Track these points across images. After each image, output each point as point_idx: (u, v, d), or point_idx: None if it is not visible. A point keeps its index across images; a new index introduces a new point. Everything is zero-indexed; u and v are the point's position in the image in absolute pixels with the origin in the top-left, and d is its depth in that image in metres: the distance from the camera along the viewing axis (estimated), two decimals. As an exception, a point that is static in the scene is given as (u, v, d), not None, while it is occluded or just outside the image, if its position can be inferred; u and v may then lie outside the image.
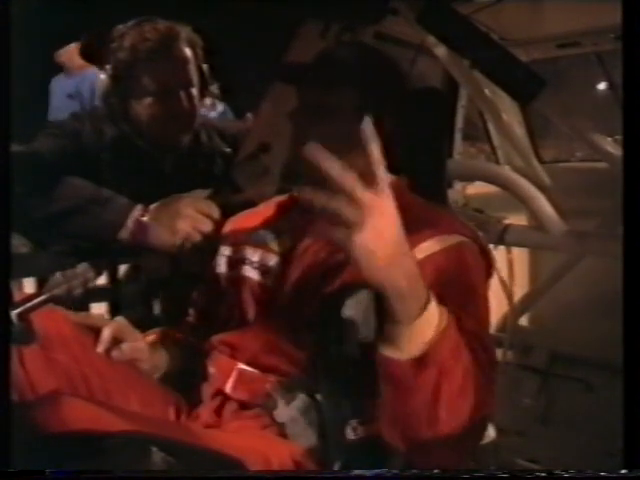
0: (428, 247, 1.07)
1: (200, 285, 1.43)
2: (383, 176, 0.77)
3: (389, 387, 0.91)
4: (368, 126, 0.76)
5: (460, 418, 0.89)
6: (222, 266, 1.29)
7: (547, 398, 2.18)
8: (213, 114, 1.85)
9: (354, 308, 1.04)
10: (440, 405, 0.88)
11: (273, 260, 1.21)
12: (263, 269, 1.21)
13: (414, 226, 1.10)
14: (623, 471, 0.88)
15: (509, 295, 1.94)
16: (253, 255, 1.24)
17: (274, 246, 1.22)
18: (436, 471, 0.93)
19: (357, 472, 0.96)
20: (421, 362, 0.86)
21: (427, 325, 0.85)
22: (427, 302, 0.85)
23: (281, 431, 1.10)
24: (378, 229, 0.77)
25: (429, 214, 1.18)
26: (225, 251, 1.31)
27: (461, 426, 0.90)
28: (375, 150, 0.76)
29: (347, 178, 0.75)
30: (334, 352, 1.06)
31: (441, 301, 0.99)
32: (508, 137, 2.29)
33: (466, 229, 1.16)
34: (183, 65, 1.62)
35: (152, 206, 1.40)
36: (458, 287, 1.06)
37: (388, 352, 0.87)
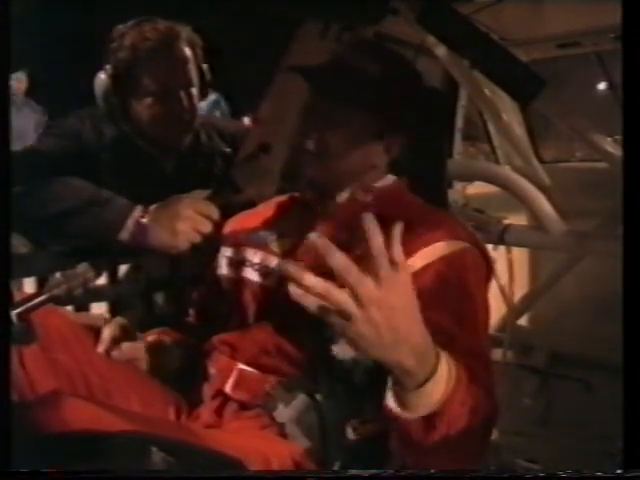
0: (428, 254, 1.07)
1: (200, 285, 1.43)
2: (387, 269, 0.77)
3: (398, 439, 0.93)
4: (370, 221, 0.77)
5: (466, 435, 0.91)
6: (223, 267, 1.29)
7: (547, 398, 2.18)
8: (203, 104, 1.84)
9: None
10: (449, 446, 0.90)
11: (274, 262, 1.21)
12: (264, 271, 1.21)
13: (415, 229, 1.11)
14: (619, 471, 0.88)
15: (509, 296, 1.94)
16: (254, 257, 1.24)
17: (275, 247, 1.22)
18: (433, 471, 0.93)
19: (355, 472, 0.96)
20: (430, 421, 0.87)
21: (436, 386, 0.86)
22: (436, 365, 0.85)
23: (281, 431, 1.10)
24: (375, 321, 0.77)
25: (430, 217, 1.17)
26: (226, 252, 1.31)
27: (466, 437, 0.91)
28: (378, 244, 0.76)
29: (350, 271, 0.75)
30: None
31: (439, 309, 1.00)
32: (508, 137, 2.29)
33: (466, 233, 1.16)
34: (183, 65, 1.62)
35: (152, 207, 1.40)
36: (456, 295, 1.06)
37: (396, 408, 0.88)
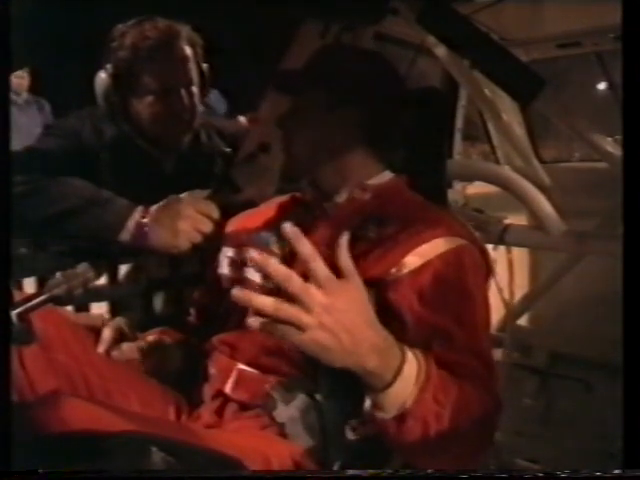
0: (426, 251, 1.07)
1: (200, 285, 1.43)
2: (325, 275, 0.80)
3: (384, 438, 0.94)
4: (293, 231, 0.80)
5: (459, 434, 0.92)
6: (224, 267, 1.29)
7: (547, 398, 2.18)
8: (208, 101, 1.84)
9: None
10: (432, 444, 0.91)
11: (277, 261, 1.21)
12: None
13: (413, 227, 1.11)
14: (617, 471, 0.88)
15: (509, 296, 1.94)
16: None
17: (275, 248, 1.22)
18: (431, 471, 0.93)
19: (355, 472, 0.96)
20: (402, 419, 0.89)
21: (404, 385, 0.88)
22: (402, 364, 0.87)
23: (281, 431, 1.10)
24: (328, 326, 0.79)
25: (429, 214, 1.18)
26: (227, 252, 1.31)
27: (464, 435, 0.93)
28: (305, 251, 0.80)
29: (292, 280, 0.79)
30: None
31: (437, 308, 1.01)
32: (508, 137, 2.29)
33: (465, 231, 1.16)
34: (183, 64, 1.62)
35: (152, 208, 1.40)
36: (454, 293, 1.07)
37: (373, 409, 0.91)
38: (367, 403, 0.91)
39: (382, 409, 0.89)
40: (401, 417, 0.89)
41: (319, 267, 0.80)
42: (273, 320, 0.79)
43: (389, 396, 0.88)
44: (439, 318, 1.02)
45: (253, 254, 0.79)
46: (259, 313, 0.79)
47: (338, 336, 0.80)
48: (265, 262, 0.79)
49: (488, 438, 1.04)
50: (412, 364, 0.88)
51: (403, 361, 0.87)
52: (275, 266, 0.79)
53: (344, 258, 0.83)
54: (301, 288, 0.79)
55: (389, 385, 0.86)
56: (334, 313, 0.79)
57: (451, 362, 0.99)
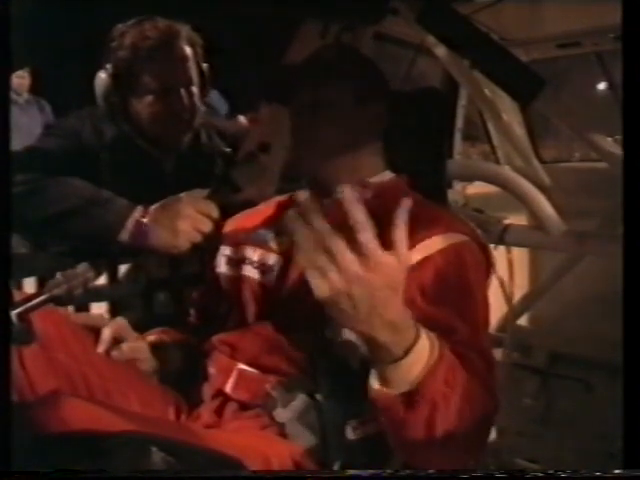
0: (427, 247, 1.08)
1: (200, 285, 1.43)
2: (372, 249, 0.78)
3: (382, 418, 0.92)
4: (351, 200, 0.80)
5: (460, 428, 0.90)
6: (222, 266, 1.29)
7: (547, 398, 2.18)
8: (208, 100, 1.84)
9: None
10: (436, 432, 0.89)
11: (273, 260, 1.21)
12: (263, 268, 1.21)
13: (413, 225, 1.11)
14: (619, 471, 0.88)
15: (508, 295, 1.94)
16: (253, 255, 1.24)
17: (274, 245, 1.22)
18: (431, 471, 0.93)
19: (355, 472, 0.96)
20: (411, 398, 0.86)
21: (416, 362, 0.86)
22: (415, 340, 0.85)
23: (281, 431, 1.10)
24: (354, 298, 0.78)
25: (429, 213, 1.18)
26: (225, 251, 1.31)
27: (462, 431, 0.91)
28: (359, 220, 0.79)
29: (367, 231, 0.78)
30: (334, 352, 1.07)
31: (438, 303, 1.00)
32: (508, 137, 2.29)
33: (466, 227, 1.16)
34: (183, 63, 1.62)
35: (152, 207, 1.40)
36: (456, 289, 1.07)
37: (377, 384, 0.88)
38: (372, 379, 0.88)
39: (389, 384, 0.87)
40: (409, 395, 0.86)
41: (368, 238, 0.78)
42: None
43: (398, 370, 0.85)
44: (441, 312, 1.02)
45: (343, 192, 0.80)
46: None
47: (359, 308, 0.78)
48: (352, 204, 0.79)
49: (483, 438, 1.03)
50: (425, 343, 0.86)
51: (417, 338, 0.85)
52: (359, 209, 0.79)
53: (399, 232, 0.81)
54: (346, 257, 0.77)
55: (399, 359, 0.84)
56: (366, 287, 0.78)
57: (456, 356, 0.98)
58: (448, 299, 1.04)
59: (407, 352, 0.84)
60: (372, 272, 0.77)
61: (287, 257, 1.19)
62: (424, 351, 0.86)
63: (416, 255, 1.07)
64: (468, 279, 1.09)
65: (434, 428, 0.88)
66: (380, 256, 0.78)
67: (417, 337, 0.85)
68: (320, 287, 0.78)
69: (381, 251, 0.78)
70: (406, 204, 0.82)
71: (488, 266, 1.17)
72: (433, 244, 1.08)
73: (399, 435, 0.93)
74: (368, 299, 0.78)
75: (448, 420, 0.89)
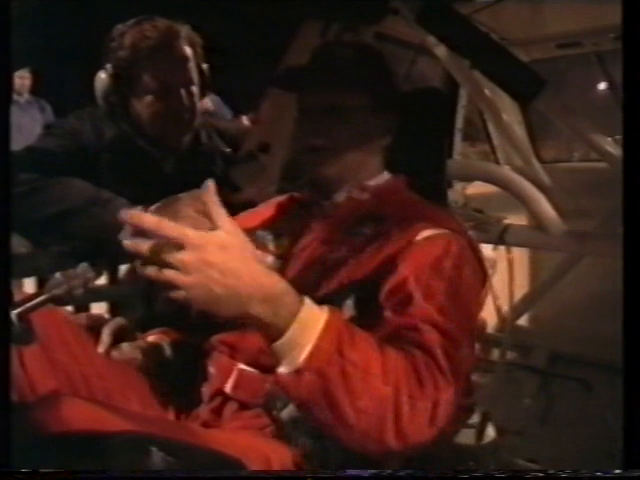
0: (413, 237, 1.09)
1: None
2: (189, 235, 0.82)
3: (290, 401, 0.92)
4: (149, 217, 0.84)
5: (379, 406, 0.87)
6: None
7: (547, 398, 2.18)
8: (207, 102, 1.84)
9: (352, 307, 1.05)
10: (342, 409, 0.86)
11: (271, 260, 1.21)
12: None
13: (407, 223, 1.11)
14: (619, 471, 0.88)
15: (508, 296, 1.94)
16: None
17: (272, 246, 1.23)
18: (432, 471, 0.92)
19: (355, 472, 0.96)
20: (299, 372, 0.85)
21: (300, 333, 0.85)
22: (296, 311, 0.85)
23: (281, 431, 1.10)
24: (201, 283, 0.81)
25: (423, 211, 1.18)
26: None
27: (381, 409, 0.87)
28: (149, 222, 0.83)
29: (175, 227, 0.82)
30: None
31: (412, 280, 1.01)
32: (508, 137, 2.29)
33: (457, 225, 1.17)
34: (183, 63, 1.62)
35: (152, 208, 1.40)
36: (434, 275, 1.05)
37: (278, 368, 0.87)
38: (272, 361, 0.88)
39: (280, 362, 0.86)
40: (298, 370, 0.85)
41: (179, 231, 0.82)
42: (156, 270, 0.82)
43: (284, 346, 0.85)
44: (409, 286, 1.02)
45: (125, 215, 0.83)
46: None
47: (215, 290, 0.80)
48: (146, 220, 0.82)
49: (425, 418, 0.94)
50: (311, 312, 0.86)
51: (298, 309, 0.85)
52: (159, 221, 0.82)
53: (213, 206, 0.85)
54: (181, 230, 0.82)
55: (282, 333, 0.84)
56: (203, 268, 0.80)
57: (400, 325, 0.98)
58: (417, 277, 1.03)
59: (289, 323, 0.84)
60: (202, 252, 0.81)
61: (286, 259, 1.19)
62: (310, 321, 0.85)
63: (401, 244, 1.07)
64: (449, 267, 1.07)
65: (335, 401, 0.85)
66: (202, 237, 0.82)
67: (300, 304, 0.85)
68: (175, 291, 0.82)
69: (202, 233, 0.83)
70: (210, 183, 0.88)
71: (480, 268, 1.16)
72: (419, 235, 1.09)
73: (313, 416, 0.90)
74: (213, 277, 0.81)
75: (352, 393, 0.86)
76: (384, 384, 0.88)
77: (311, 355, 0.85)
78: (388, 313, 1.01)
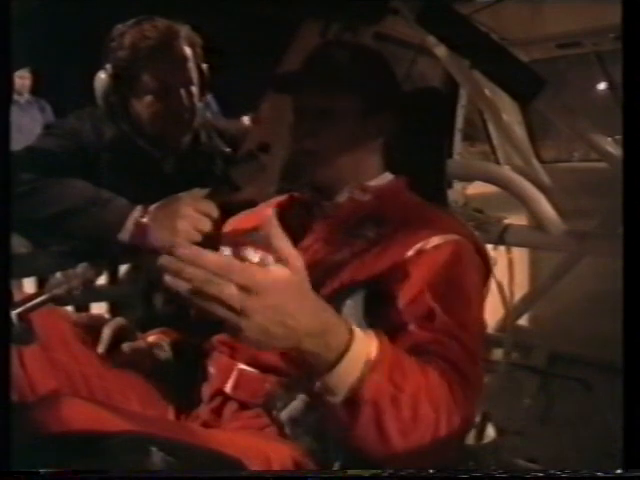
0: (422, 245, 1.08)
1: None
2: (249, 278, 0.78)
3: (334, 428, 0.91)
4: (191, 250, 0.79)
5: (424, 429, 0.88)
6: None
7: (547, 398, 2.18)
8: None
9: (352, 307, 1.05)
10: (390, 435, 0.87)
11: (272, 261, 1.21)
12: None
13: (411, 225, 1.11)
14: (619, 471, 0.88)
15: (504, 297, 1.94)
16: (254, 256, 1.24)
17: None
18: (432, 471, 0.92)
19: (355, 472, 0.96)
20: (352, 402, 0.85)
21: (353, 364, 0.84)
22: (349, 343, 0.83)
23: (281, 431, 1.10)
24: (262, 326, 0.77)
25: (426, 214, 1.18)
26: (225, 251, 1.30)
27: (427, 431, 0.89)
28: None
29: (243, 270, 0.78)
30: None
31: (430, 293, 1.01)
32: (508, 137, 2.29)
33: (464, 230, 1.16)
34: (183, 64, 1.62)
35: (152, 207, 1.40)
36: (445, 281, 1.06)
37: (323, 393, 0.86)
38: (317, 385, 0.86)
39: (331, 392, 0.85)
40: (351, 400, 0.84)
41: (242, 272, 0.78)
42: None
43: (335, 377, 0.83)
44: (427, 300, 1.02)
45: (182, 250, 0.78)
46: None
47: (271, 332, 0.78)
48: (197, 256, 0.77)
49: (457, 435, 0.97)
50: (362, 343, 0.84)
51: (351, 340, 0.83)
52: (208, 256, 0.77)
53: (277, 238, 0.83)
54: (229, 293, 0.76)
55: (334, 365, 0.82)
56: (266, 312, 0.77)
57: (425, 341, 0.98)
58: (435, 290, 1.04)
59: (342, 355, 0.83)
60: (262, 296, 0.77)
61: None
62: (361, 352, 0.84)
63: (410, 252, 1.07)
64: (462, 276, 1.09)
65: (385, 431, 0.86)
66: (268, 280, 0.79)
67: (352, 335, 0.84)
68: (236, 328, 0.77)
69: (267, 272, 0.80)
70: (270, 213, 0.86)
71: (486, 269, 1.17)
72: (428, 242, 1.09)
73: (356, 442, 0.90)
74: (274, 320, 0.77)
75: (401, 421, 0.86)
76: (431, 410, 0.89)
77: (364, 387, 0.84)
78: (413, 327, 1.01)
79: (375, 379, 0.84)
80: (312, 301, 0.83)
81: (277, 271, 0.80)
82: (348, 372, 0.84)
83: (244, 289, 0.76)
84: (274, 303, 0.78)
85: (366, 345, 0.85)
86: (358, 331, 0.85)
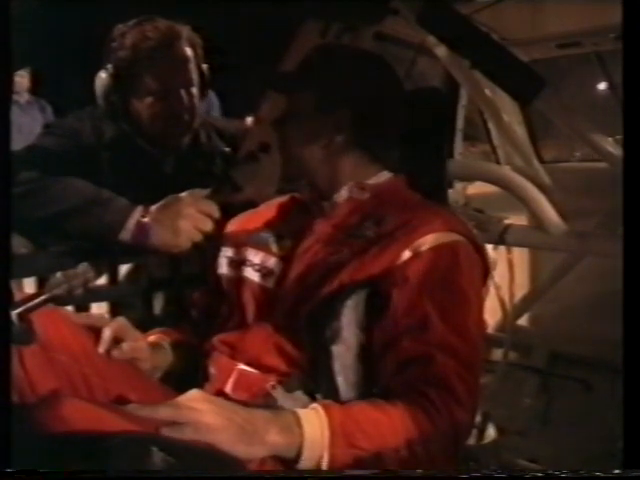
0: (420, 245, 1.08)
1: (201, 285, 1.43)
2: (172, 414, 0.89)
3: None
4: None
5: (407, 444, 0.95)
6: (223, 267, 1.30)
7: (547, 398, 2.18)
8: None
9: (352, 308, 1.05)
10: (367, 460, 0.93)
11: (274, 262, 1.21)
12: (264, 271, 1.21)
13: (410, 223, 1.11)
14: (619, 471, 0.88)
15: (509, 296, 1.94)
16: (254, 257, 1.24)
17: (275, 248, 1.23)
18: (433, 471, 0.93)
19: (355, 472, 0.96)
20: (342, 457, 0.93)
21: (314, 445, 0.91)
22: (300, 432, 0.91)
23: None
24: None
25: (426, 212, 1.18)
26: (227, 252, 1.31)
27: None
28: None
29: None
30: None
31: (427, 299, 1.01)
32: (508, 137, 2.30)
33: (463, 228, 1.16)
34: (184, 64, 1.62)
35: (153, 207, 1.40)
36: (442, 287, 1.07)
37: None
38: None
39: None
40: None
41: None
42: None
43: (305, 463, 0.91)
44: (419, 308, 1.03)
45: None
46: None
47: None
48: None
49: (453, 444, 1.03)
50: (312, 425, 0.92)
51: (300, 428, 0.91)
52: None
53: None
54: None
55: (299, 457, 0.91)
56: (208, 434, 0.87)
57: (416, 356, 1.00)
58: (431, 296, 1.05)
59: (300, 447, 0.91)
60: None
61: (287, 260, 1.19)
62: (315, 431, 0.91)
63: (407, 253, 1.07)
64: (460, 278, 1.09)
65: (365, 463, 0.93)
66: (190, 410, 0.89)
67: (299, 427, 0.91)
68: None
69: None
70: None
71: (484, 268, 1.17)
72: (426, 242, 1.08)
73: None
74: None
75: (376, 454, 0.93)
76: (397, 450, 0.94)
77: (331, 463, 0.91)
78: (406, 341, 1.03)
79: (336, 453, 0.91)
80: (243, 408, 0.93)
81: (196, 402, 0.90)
82: (312, 456, 0.91)
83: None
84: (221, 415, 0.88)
85: (315, 423, 0.92)
86: (301, 412, 0.93)
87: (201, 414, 0.87)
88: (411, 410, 0.95)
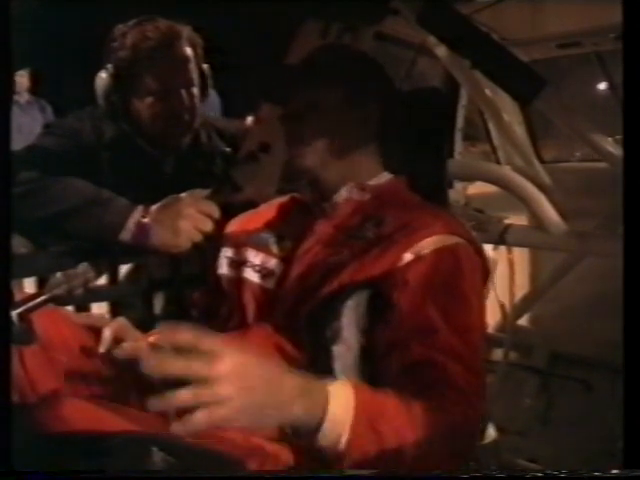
0: (422, 247, 1.08)
1: (201, 286, 1.43)
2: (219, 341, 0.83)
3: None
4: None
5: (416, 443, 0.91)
6: (223, 267, 1.30)
7: (547, 398, 2.18)
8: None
9: (353, 308, 1.05)
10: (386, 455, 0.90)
11: (274, 263, 1.21)
12: (264, 272, 1.22)
13: (411, 225, 1.11)
14: (617, 471, 0.88)
15: (502, 299, 1.94)
16: (255, 258, 1.24)
17: (275, 249, 1.23)
18: (433, 471, 0.93)
19: (355, 472, 0.96)
20: (342, 455, 0.87)
21: (334, 426, 0.86)
22: (325, 407, 0.85)
23: (281, 431, 1.10)
24: (227, 417, 0.78)
25: (426, 214, 1.18)
26: (227, 252, 1.31)
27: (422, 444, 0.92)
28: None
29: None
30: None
31: (429, 303, 1.01)
32: (508, 137, 2.29)
33: (463, 231, 1.16)
34: (184, 64, 1.62)
35: (153, 207, 1.40)
36: (445, 291, 1.07)
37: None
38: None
39: (326, 445, 0.88)
40: (341, 453, 0.87)
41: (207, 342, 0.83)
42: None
43: (324, 438, 0.86)
44: (423, 312, 1.03)
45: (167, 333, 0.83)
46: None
47: (244, 417, 0.79)
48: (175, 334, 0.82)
49: (464, 444, 1.02)
50: (335, 405, 0.86)
51: (326, 404, 0.85)
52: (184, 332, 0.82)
53: (186, 335, 0.86)
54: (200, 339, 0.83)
55: (318, 429, 0.85)
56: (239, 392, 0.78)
57: (422, 361, 1.00)
58: (434, 300, 1.04)
59: (321, 422, 0.85)
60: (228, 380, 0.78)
61: (288, 260, 1.19)
62: (339, 411, 0.86)
63: (409, 255, 1.07)
64: (462, 281, 1.09)
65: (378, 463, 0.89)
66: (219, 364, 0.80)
67: (326, 402, 0.86)
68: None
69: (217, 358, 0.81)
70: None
71: (485, 271, 1.17)
72: (427, 245, 1.08)
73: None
74: (253, 399, 0.79)
75: (388, 454, 0.89)
76: (416, 447, 0.91)
77: (349, 442, 0.86)
78: (410, 344, 1.02)
79: (358, 432, 0.87)
80: (276, 369, 0.85)
81: (228, 358, 0.81)
82: (333, 431, 0.86)
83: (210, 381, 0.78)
84: (243, 386, 0.79)
85: (343, 401, 0.87)
86: (332, 388, 0.87)
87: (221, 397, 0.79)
88: (429, 412, 0.94)
